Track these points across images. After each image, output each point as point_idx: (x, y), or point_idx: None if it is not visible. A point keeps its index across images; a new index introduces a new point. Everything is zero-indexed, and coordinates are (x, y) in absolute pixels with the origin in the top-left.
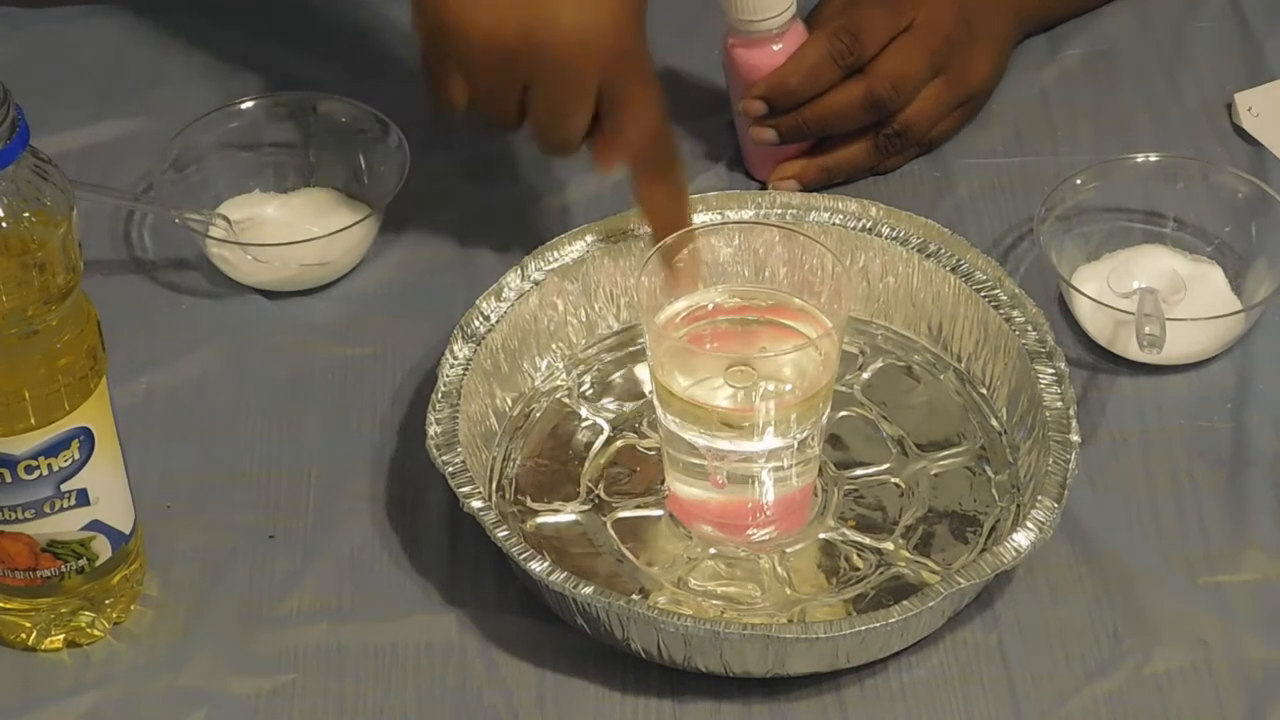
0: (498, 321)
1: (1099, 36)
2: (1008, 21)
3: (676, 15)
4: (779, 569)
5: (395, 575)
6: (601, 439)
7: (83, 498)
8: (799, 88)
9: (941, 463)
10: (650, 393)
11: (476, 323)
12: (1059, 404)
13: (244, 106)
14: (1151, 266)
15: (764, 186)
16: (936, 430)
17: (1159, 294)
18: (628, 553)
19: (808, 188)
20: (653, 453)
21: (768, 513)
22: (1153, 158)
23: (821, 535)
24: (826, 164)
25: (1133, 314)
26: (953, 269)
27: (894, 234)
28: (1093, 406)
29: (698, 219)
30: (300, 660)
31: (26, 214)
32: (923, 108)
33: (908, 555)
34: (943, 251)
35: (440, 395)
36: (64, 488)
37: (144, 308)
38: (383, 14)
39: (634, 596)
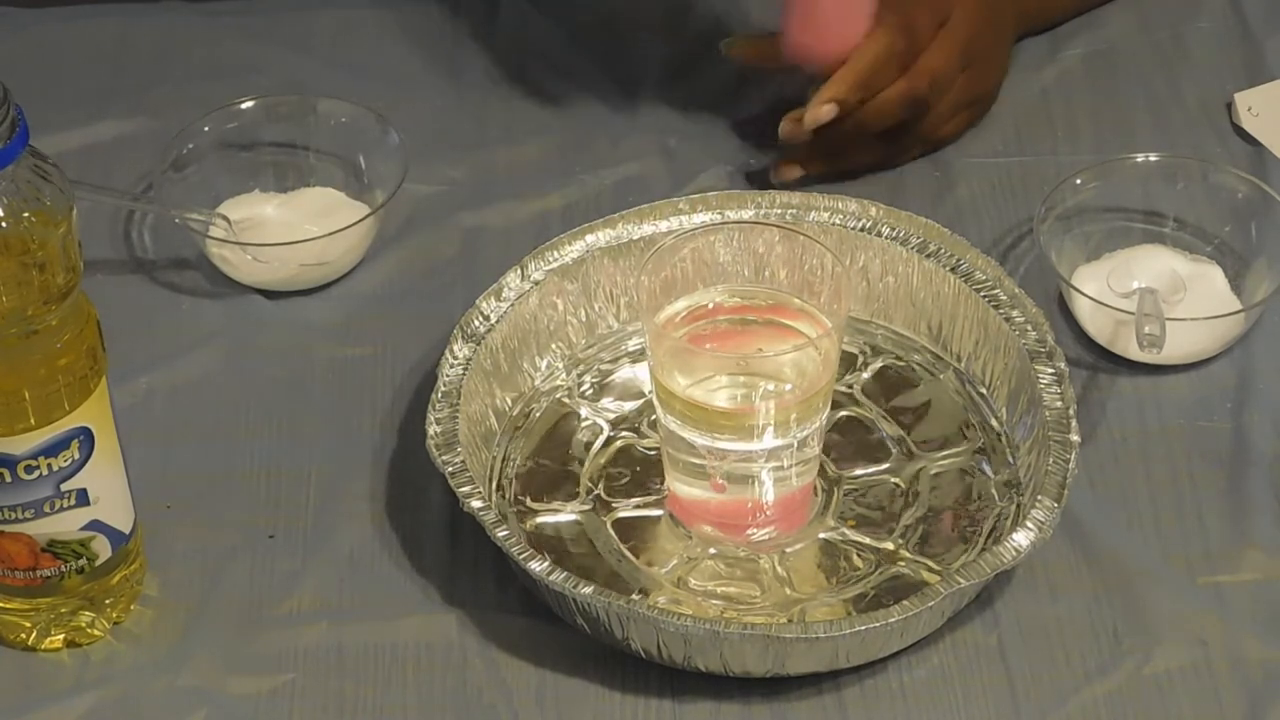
0: (498, 321)
1: (1099, 36)
2: (1012, 22)
3: (677, 15)
4: (779, 569)
5: (395, 575)
6: (601, 439)
7: (83, 498)
8: (870, 85)
9: (941, 463)
10: (650, 393)
11: (476, 323)
12: (1059, 404)
13: (244, 106)
14: (1151, 266)
15: (765, 187)
16: (936, 430)
17: (1159, 294)
18: (628, 553)
19: (810, 178)
20: (653, 453)
21: (768, 513)
22: (1153, 158)
23: (821, 535)
24: (832, 157)
25: (1133, 314)
26: (953, 269)
27: (894, 234)
28: (1093, 406)
29: (697, 219)
30: (300, 660)
31: (26, 214)
32: (943, 101)
33: (908, 555)
34: (943, 251)
35: (440, 395)
36: (64, 488)
37: (144, 308)
38: (382, 15)
39: (634, 596)
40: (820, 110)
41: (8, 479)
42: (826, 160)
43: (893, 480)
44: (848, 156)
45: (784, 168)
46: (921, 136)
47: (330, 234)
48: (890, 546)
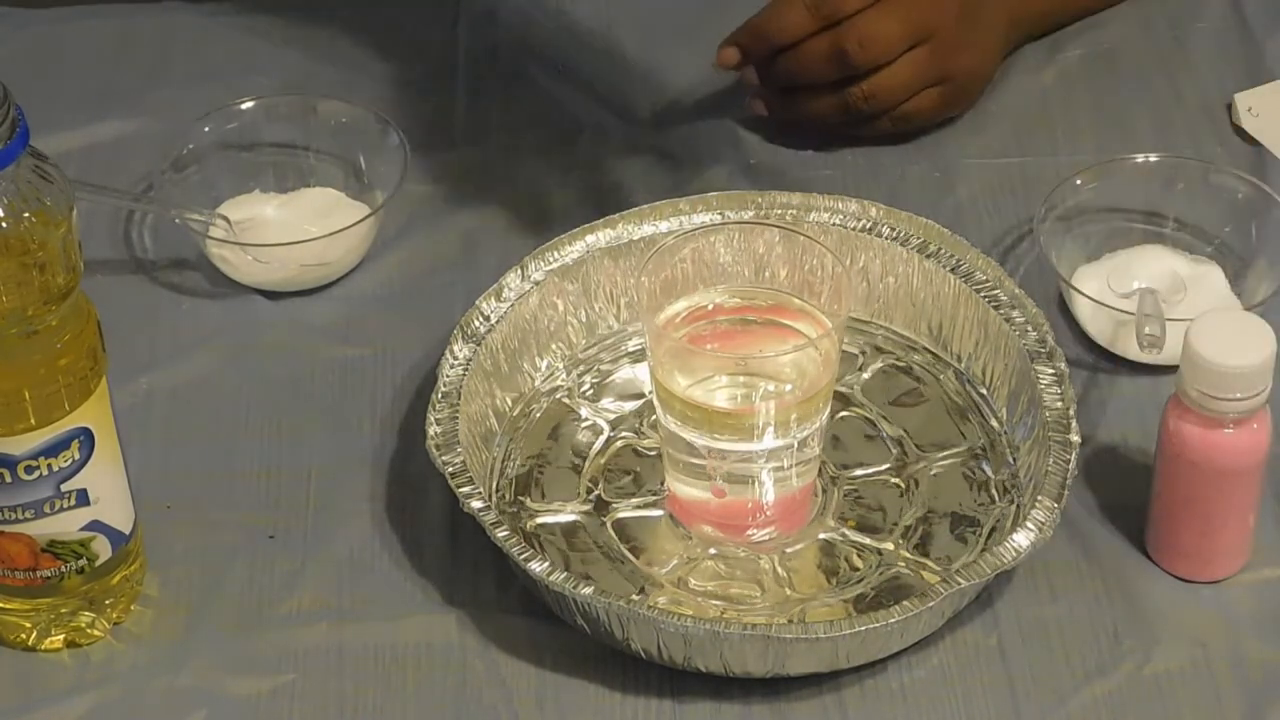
0: (498, 321)
1: (1099, 37)
2: (1001, 20)
3: (677, 15)
4: (779, 569)
5: (395, 575)
6: (601, 439)
7: (83, 498)
8: (773, 34)
9: (941, 463)
10: (650, 393)
11: (476, 323)
12: (1059, 404)
13: (244, 106)
14: (1151, 266)
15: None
16: (936, 430)
17: (1159, 294)
18: (628, 553)
19: (772, 117)
20: (653, 453)
21: (768, 513)
22: (1153, 158)
23: (821, 535)
24: (793, 104)
25: (1133, 314)
26: (953, 269)
27: (894, 234)
28: (1093, 406)
29: (697, 219)
30: (300, 660)
31: (26, 214)
32: (897, 73)
33: (908, 555)
34: (943, 251)
35: (440, 395)
36: (64, 488)
37: (144, 308)
38: (382, 14)
39: (634, 596)
40: (722, 52)
41: (8, 479)
42: (782, 103)
43: (893, 480)
44: (800, 103)
45: (752, 102)
46: (884, 106)
47: (330, 234)
48: (890, 546)
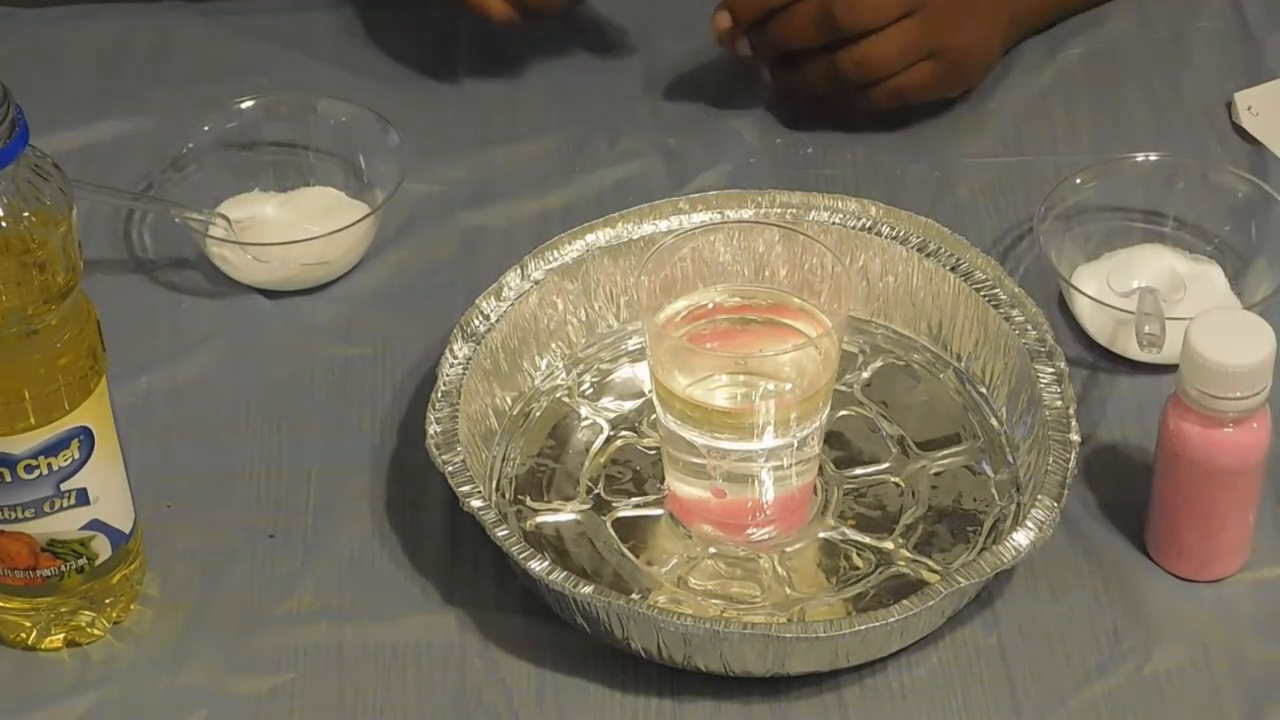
0: (498, 321)
1: (1099, 36)
2: (1003, 6)
3: (676, 15)
4: (779, 569)
5: (395, 575)
6: (601, 438)
7: (82, 497)
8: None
9: (941, 462)
10: (650, 392)
11: (476, 322)
12: (1059, 404)
13: (244, 106)
14: (1151, 266)
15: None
16: (936, 430)
17: (1159, 293)
18: (628, 553)
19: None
20: (653, 452)
21: (768, 512)
22: (1153, 157)
23: (821, 535)
24: (786, 72)
25: (1133, 314)
26: (953, 269)
27: (894, 234)
28: (1093, 406)
29: (697, 218)
30: (300, 660)
31: (26, 214)
32: (888, 39)
33: (908, 555)
34: (943, 251)
35: (440, 395)
36: (64, 487)
37: (144, 308)
38: (382, 14)
39: (634, 596)
40: (716, 16)
41: (8, 479)
42: (776, 73)
43: (893, 480)
44: (792, 71)
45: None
46: (875, 75)
47: (330, 234)
48: (890, 546)
